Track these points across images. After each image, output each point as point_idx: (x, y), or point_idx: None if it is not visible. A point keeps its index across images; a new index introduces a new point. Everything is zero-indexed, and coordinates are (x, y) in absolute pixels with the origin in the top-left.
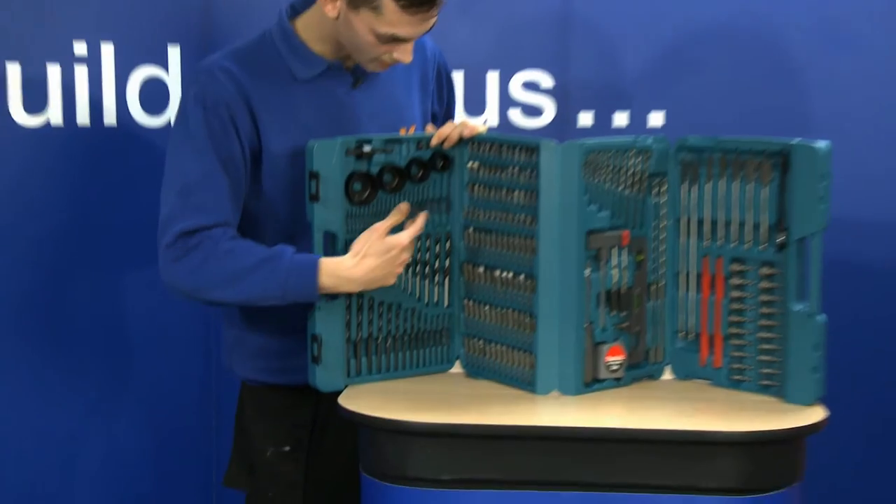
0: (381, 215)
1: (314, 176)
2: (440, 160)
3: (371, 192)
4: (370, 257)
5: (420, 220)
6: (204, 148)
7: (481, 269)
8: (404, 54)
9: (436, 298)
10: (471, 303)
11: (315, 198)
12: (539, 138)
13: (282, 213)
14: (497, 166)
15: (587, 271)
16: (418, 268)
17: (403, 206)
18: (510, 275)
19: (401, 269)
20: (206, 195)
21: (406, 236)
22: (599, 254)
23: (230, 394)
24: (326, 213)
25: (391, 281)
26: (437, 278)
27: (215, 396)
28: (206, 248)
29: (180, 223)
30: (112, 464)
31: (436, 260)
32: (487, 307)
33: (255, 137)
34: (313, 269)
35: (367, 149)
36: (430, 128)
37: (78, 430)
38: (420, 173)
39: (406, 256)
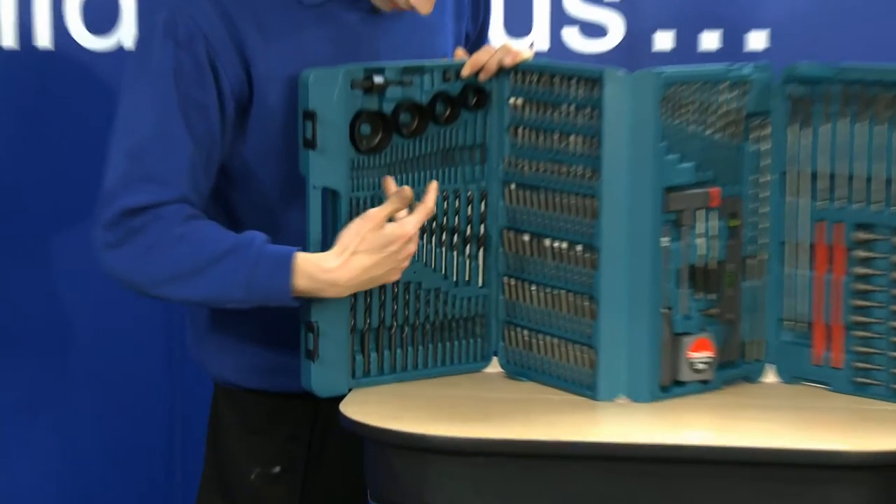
0: (397, 167)
1: (310, 116)
2: (473, 95)
3: (384, 137)
4: (362, 255)
5: (430, 199)
6: (166, 96)
7: (526, 238)
8: (422, 2)
9: (467, 276)
10: (512, 282)
11: (311, 144)
12: (603, 67)
13: (270, 192)
14: (547, 104)
15: (665, 241)
16: (444, 236)
17: (406, 191)
18: (564, 245)
19: (406, 264)
20: (161, 161)
21: (412, 223)
22: (681, 218)
23: (200, 396)
24: (326, 163)
25: (394, 278)
26: (468, 250)
27: (179, 400)
28: (154, 232)
29: (125, 197)
30: (47, 483)
31: (467, 226)
32: (534, 287)
33: (245, 84)
34: (285, 267)
35: (378, 80)
36: (460, 53)
37: (9, 436)
38: (447, 112)
39: (412, 248)
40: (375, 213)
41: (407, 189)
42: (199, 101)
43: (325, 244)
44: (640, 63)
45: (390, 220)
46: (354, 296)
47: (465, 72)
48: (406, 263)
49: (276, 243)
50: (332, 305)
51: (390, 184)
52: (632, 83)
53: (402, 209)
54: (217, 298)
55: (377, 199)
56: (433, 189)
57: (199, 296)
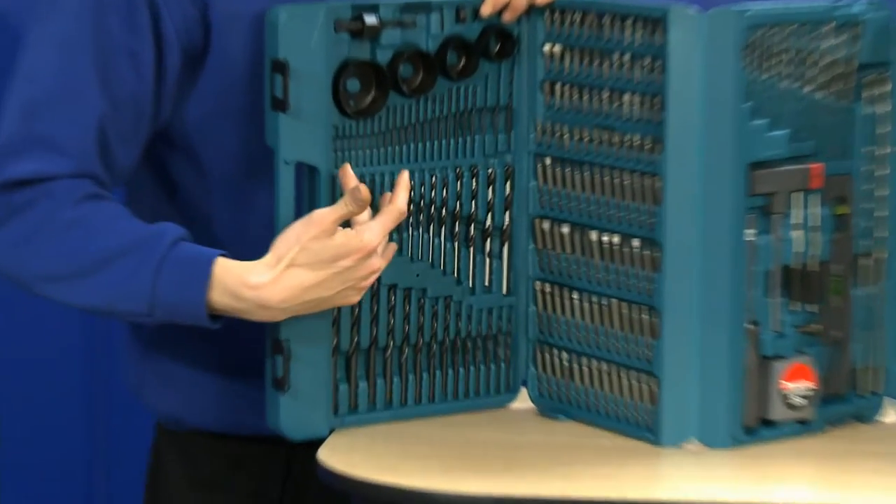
0: (395, 135)
1: (280, 67)
2: (496, 41)
3: (378, 96)
4: (301, 269)
5: (400, 198)
6: (78, 37)
7: (566, 230)
8: None
9: (486, 280)
10: (547, 288)
11: (281, 105)
12: (667, 2)
13: (228, 168)
14: (594, 52)
15: (750, 234)
16: (457, 227)
17: (363, 192)
18: (616, 239)
19: (368, 283)
20: (61, 121)
21: (374, 232)
22: (771, 204)
23: (132, 443)
24: (301, 130)
25: (350, 301)
26: (488, 246)
27: (102, 448)
28: (39, 213)
29: (9, 164)
30: None
31: (487, 214)
32: (576, 296)
33: (198, 25)
34: (200, 276)
35: (370, 20)
36: None
37: None
38: (461, 63)
39: (376, 264)
40: (322, 216)
41: (364, 189)
42: (126, 47)
43: None
44: None
45: (346, 224)
46: (338, 310)
47: (486, 10)
48: (368, 282)
49: (238, 239)
50: (307, 318)
51: (347, 176)
52: (706, 25)
53: (357, 213)
54: (112, 309)
55: (370, 179)
56: (403, 185)
57: (89, 303)
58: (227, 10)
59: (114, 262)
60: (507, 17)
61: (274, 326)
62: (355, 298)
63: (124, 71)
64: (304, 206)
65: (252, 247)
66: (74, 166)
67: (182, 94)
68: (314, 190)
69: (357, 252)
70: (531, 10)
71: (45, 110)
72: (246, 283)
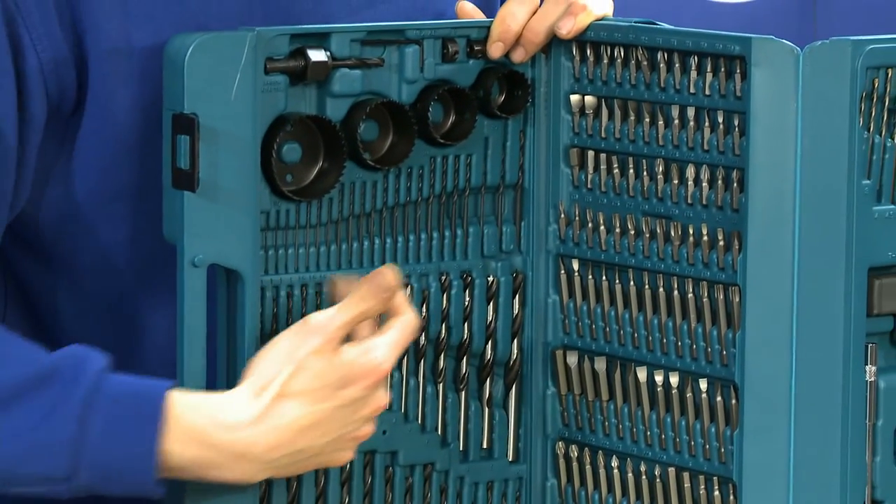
0: (351, 227)
1: (186, 125)
2: (500, 89)
3: (329, 167)
4: (297, 401)
5: (406, 307)
6: None
7: (601, 367)
8: None
9: (485, 441)
10: (574, 451)
11: (187, 181)
12: (747, 35)
13: (110, 276)
14: (643, 105)
15: (871, 371)
16: (442, 363)
17: (388, 277)
18: (675, 380)
19: (370, 431)
20: None
21: (388, 349)
22: None
23: None
24: (216, 217)
25: (344, 459)
26: (487, 390)
27: None
28: None
29: None
30: None
31: (486, 344)
32: (615, 463)
33: (70, 68)
34: (150, 414)
35: (316, 57)
36: (467, 8)
37: None
38: (449, 121)
39: (385, 401)
40: (326, 322)
41: (390, 273)
42: None
43: (213, 381)
44: (824, 24)
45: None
46: (268, 483)
47: (495, 51)
48: (368, 431)
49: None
50: (228, 499)
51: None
52: (806, 64)
53: (377, 312)
54: (11, 474)
55: (315, 291)
56: (398, 290)
57: None
58: (109, 45)
59: (14, 402)
60: (518, 55)
61: None
62: (349, 455)
63: None
64: (218, 327)
65: None
66: None
67: (43, 169)
68: (234, 304)
69: (368, 376)
70: (551, 44)
71: None
72: (220, 423)
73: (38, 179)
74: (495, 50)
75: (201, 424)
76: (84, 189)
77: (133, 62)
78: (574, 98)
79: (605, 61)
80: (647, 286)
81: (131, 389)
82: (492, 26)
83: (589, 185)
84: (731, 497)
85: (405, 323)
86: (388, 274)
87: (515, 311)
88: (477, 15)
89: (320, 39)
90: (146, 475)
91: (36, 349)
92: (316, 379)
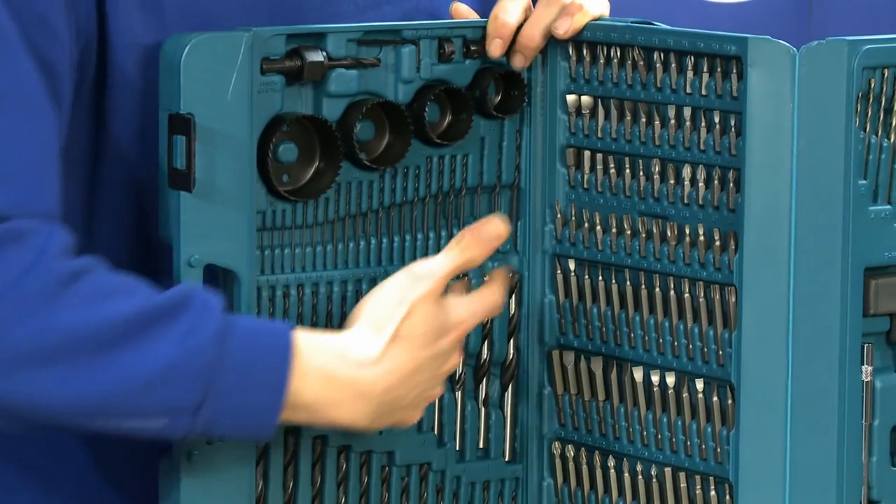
0: (347, 227)
1: (182, 126)
2: (496, 89)
3: (325, 167)
4: (405, 344)
5: (500, 288)
6: (11, 48)
7: (597, 367)
8: None
9: (481, 441)
10: (570, 451)
11: (183, 181)
12: (745, 35)
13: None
14: (640, 105)
15: (867, 371)
16: None
17: (495, 225)
18: (671, 379)
19: (438, 392)
20: (19, 151)
21: (475, 308)
22: None
23: None
24: (212, 217)
25: (416, 418)
26: (483, 390)
27: None
28: (11, 262)
29: None
30: None
31: (482, 344)
32: (612, 462)
33: (93, 19)
34: (280, 348)
35: (313, 57)
36: (462, 9)
37: None
38: (445, 121)
39: (457, 360)
40: (433, 269)
41: (496, 221)
42: (44, 56)
43: None
44: (822, 22)
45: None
46: (265, 483)
47: (495, 50)
48: (441, 390)
49: None
50: (225, 498)
51: (501, 227)
52: (803, 64)
53: (479, 261)
54: (137, 404)
55: (311, 290)
56: (503, 279)
57: (98, 392)
58: (126, 38)
59: (148, 328)
60: (518, 61)
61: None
62: (419, 414)
63: (48, 86)
64: None
65: None
66: (51, 208)
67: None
68: (230, 304)
69: (459, 328)
70: (547, 46)
71: None
72: (347, 361)
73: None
74: (495, 48)
75: (328, 362)
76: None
77: (138, 55)
78: (570, 98)
79: (602, 61)
80: (643, 286)
81: (259, 326)
82: (487, 25)
83: (585, 186)
84: (728, 497)
85: (487, 299)
86: (495, 222)
87: (512, 311)
88: (471, 16)
89: (317, 39)
90: (272, 411)
91: (149, 285)
92: (423, 324)
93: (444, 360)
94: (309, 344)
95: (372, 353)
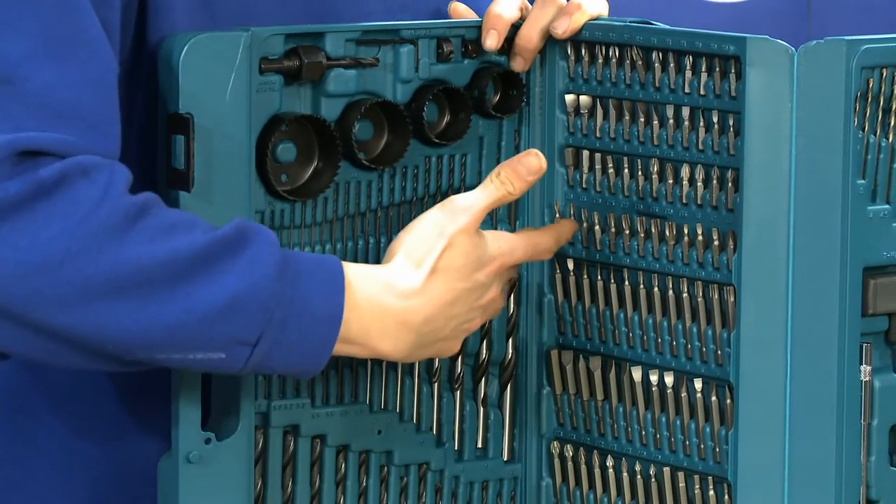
0: (344, 227)
1: (181, 125)
2: (495, 89)
3: (324, 167)
4: (444, 276)
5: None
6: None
7: (596, 366)
8: None
9: (479, 440)
10: (568, 450)
11: (182, 181)
12: (744, 35)
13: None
14: (639, 105)
15: (866, 371)
16: (437, 361)
17: (533, 159)
18: (670, 379)
19: (476, 324)
20: (84, 93)
21: (519, 245)
22: (894, 328)
23: None
24: (210, 218)
25: (455, 349)
26: (482, 389)
27: None
28: (82, 196)
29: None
30: None
31: (480, 344)
32: (611, 462)
33: (134, 8)
34: (335, 278)
35: (311, 57)
36: (460, 8)
37: None
38: (444, 121)
39: (497, 296)
40: (472, 202)
41: (533, 156)
42: (100, 14)
43: (209, 378)
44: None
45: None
46: (263, 483)
47: (491, 42)
48: (479, 322)
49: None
50: (224, 498)
51: (535, 161)
52: (801, 64)
53: (517, 195)
54: (207, 331)
55: None
56: (561, 225)
57: (167, 323)
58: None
59: (214, 261)
60: (518, 64)
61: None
62: (458, 345)
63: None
64: None
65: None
66: (106, 144)
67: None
68: None
69: (498, 261)
70: (546, 45)
71: (52, 64)
72: (393, 291)
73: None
74: (490, 39)
75: (376, 293)
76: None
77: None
78: (569, 98)
79: (600, 61)
80: (641, 286)
81: (313, 260)
82: (483, 21)
83: (584, 185)
84: (726, 497)
85: (536, 235)
86: (533, 155)
87: (510, 311)
88: (469, 15)
89: (315, 39)
90: (328, 343)
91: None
92: (462, 256)
93: (482, 293)
94: (358, 275)
95: (414, 285)
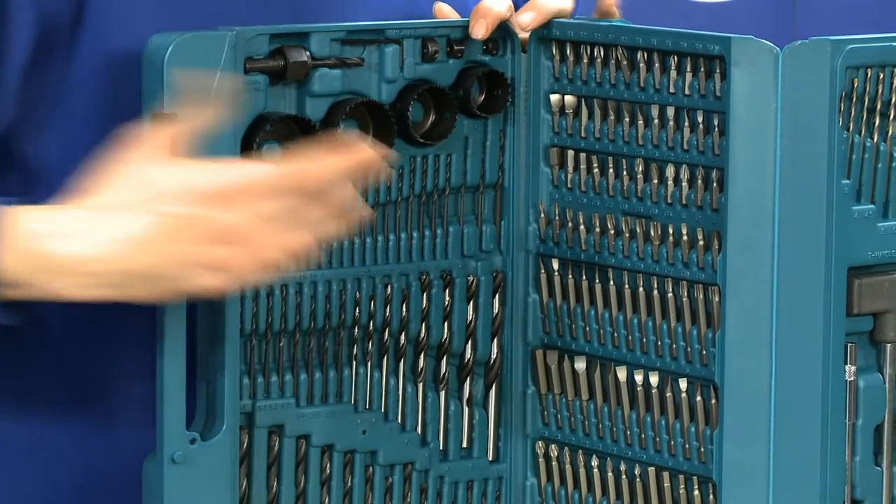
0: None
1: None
2: (480, 88)
3: None
4: (173, 202)
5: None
6: None
7: (581, 366)
8: None
9: (464, 440)
10: (553, 450)
11: None
12: (728, 35)
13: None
14: (624, 105)
15: (850, 371)
16: (422, 362)
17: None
18: (655, 379)
19: (262, 259)
20: None
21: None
22: (882, 327)
23: None
24: None
25: (204, 284)
26: (467, 389)
27: None
28: None
29: None
30: None
31: (465, 344)
32: (595, 462)
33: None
34: None
35: (296, 57)
36: (444, 9)
37: None
38: (429, 120)
39: (230, 218)
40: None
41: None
42: None
43: (193, 378)
44: (804, 22)
45: None
46: (248, 484)
47: (479, 31)
48: (262, 257)
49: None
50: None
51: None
52: (786, 64)
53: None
54: None
55: (295, 290)
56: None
57: None
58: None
59: None
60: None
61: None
62: (206, 280)
63: None
64: (199, 326)
65: None
66: None
67: (31, 97)
68: (215, 303)
69: (212, 187)
70: (531, 44)
71: None
72: (67, 229)
73: (25, 107)
74: (479, 27)
75: (41, 229)
76: (58, 137)
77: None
78: (554, 97)
79: (585, 61)
80: (626, 286)
81: None
82: (472, 11)
83: (569, 185)
84: (711, 497)
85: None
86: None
87: (495, 311)
88: (453, 16)
89: (300, 39)
90: None
91: None
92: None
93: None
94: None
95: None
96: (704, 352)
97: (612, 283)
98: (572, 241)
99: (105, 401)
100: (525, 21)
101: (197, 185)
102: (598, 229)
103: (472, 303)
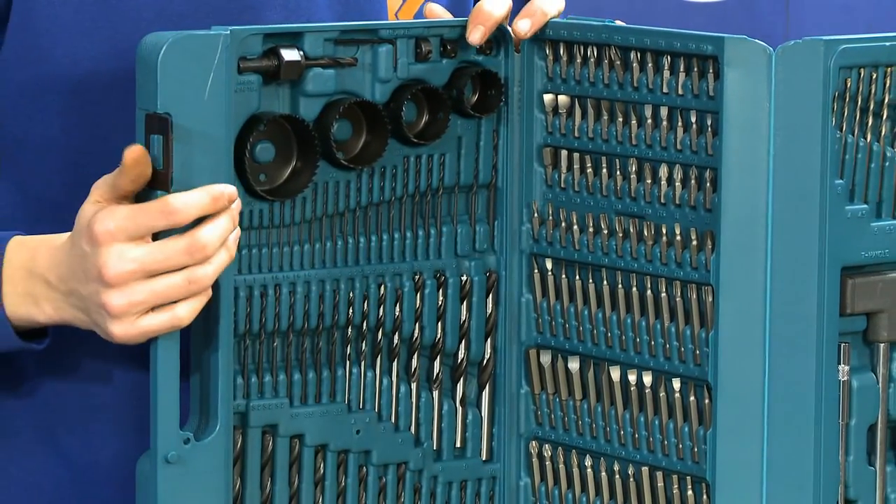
0: (324, 226)
1: (159, 125)
2: (473, 88)
3: (302, 167)
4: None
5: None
6: None
7: (574, 366)
8: None
9: (458, 440)
10: (547, 450)
11: (161, 181)
12: (722, 35)
13: (52, 153)
14: (617, 105)
15: (844, 371)
16: (415, 362)
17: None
18: (648, 379)
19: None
20: None
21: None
22: (875, 327)
23: None
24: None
25: (112, 332)
26: (461, 389)
27: None
28: None
29: None
30: None
31: (459, 343)
32: (589, 462)
33: None
34: None
35: (290, 56)
36: (436, 9)
37: None
38: (422, 120)
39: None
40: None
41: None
42: None
43: (187, 379)
44: (798, 23)
45: None
46: (242, 485)
47: (474, 35)
48: (104, 300)
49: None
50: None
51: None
52: (779, 64)
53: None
54: None
55: (288, 290)
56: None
57: None
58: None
59: None
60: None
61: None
62: (113, 329)
63: None
64: (193, 327)
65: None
66: None
67: None
68: (208, 304)
69: (95, 226)
70: (525, 44)
71: None
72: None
73: None
74: (477, 33)
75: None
76: (15, 80)
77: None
78: (547, 97)
79: (579, 61)
80: (620, 285)
81: None
82: (469, 15)
83: (562, 185)
84: (705, 496)
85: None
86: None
87: (489, 311)
88: (445, 16)
89: (293, 39)
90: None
91: None
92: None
93: (84, 263)
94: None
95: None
96: (698, 352)
97: (605, 282)
98: (566, 240)
99: (99, 400)
100: (523, 29)
101: (84, 226)
102: (591, 229)
103: (465, 303)
